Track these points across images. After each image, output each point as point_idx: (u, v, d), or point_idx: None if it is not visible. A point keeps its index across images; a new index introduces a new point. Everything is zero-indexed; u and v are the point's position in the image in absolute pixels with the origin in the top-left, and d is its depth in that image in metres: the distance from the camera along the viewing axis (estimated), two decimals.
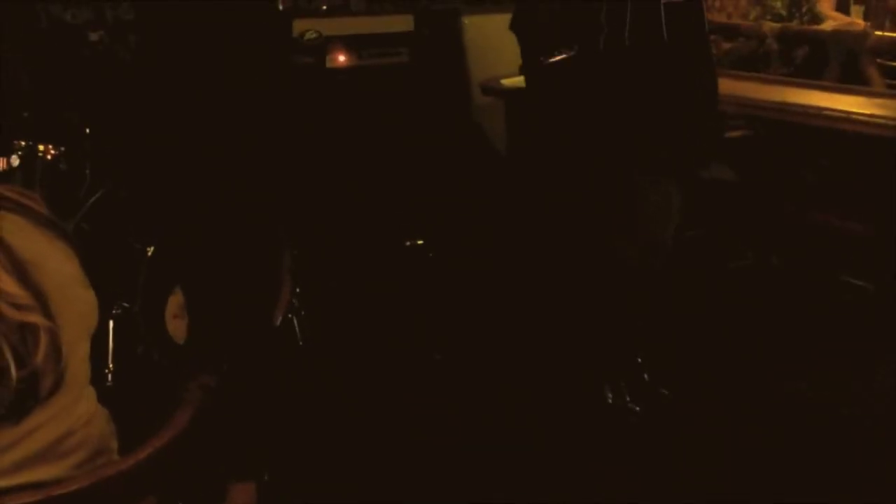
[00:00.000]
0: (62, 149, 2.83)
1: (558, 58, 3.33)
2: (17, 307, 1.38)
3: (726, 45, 4.56)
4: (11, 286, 1.38)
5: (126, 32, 4.00)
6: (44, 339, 1.39)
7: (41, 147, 2.76)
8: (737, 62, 4.44)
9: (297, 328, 3.36)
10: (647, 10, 3.10)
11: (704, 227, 3.84)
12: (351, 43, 4.62)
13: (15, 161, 2.72)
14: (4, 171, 2.71)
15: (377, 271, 4.18)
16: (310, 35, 4.42)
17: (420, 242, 4.41)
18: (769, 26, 4.34)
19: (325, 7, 4.63)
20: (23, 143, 2.73)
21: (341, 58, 4.59)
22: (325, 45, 4.48)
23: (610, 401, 3.22)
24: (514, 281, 3.98)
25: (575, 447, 3.03)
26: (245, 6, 2.88)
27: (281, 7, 3.42)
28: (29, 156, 2.75)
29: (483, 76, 4.78)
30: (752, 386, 3.34)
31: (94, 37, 4.04)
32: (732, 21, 4.61)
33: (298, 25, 4.36)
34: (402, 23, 4.96)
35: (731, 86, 3.92)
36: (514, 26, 3.71)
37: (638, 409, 3.19)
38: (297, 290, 3.36)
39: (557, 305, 3.55)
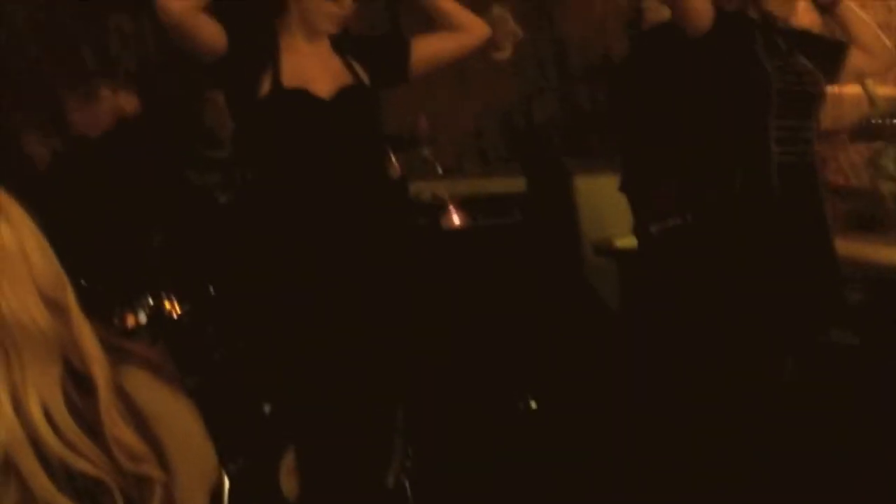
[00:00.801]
0: (187, 307, 2.93)
1: (668, 225, 3.35)
2: (134, 458, 1.41)
3: (843, 207, 4.51)
4: (130, 437, 1.41)
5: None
6: (158, 492, 1.41)
7: (167, 304, 2.88)
8: (854, 224, 4.38)
9: (408, 491, 3.33)
10: (757, 167, 3.12)
11: (825, 392, 3.73)
12: (465, 204, 4.71)
13: (143, 318, 2.83)
14: (133, 329, 2.82)
15: (488, 433, 4.15)
16: (425, 196, 4.53)
17: (532, 404, 4.38)
18: (886, 187, 4.28)
19: (440, 169, 4.76)
20: (150, 301, 2.85)
21: (456, 219, 4.69)
22: (440, 206, 4.58)
23: None
24: (628, 446, 3.89)
25: None
26: (360, 174, 3.00)
27: (398, 170, 3.53)
28: (155, 313, 2.86)
29: (596, 236, 4.82)
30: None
31: (222, 199, 4.19)
32: (848, 183, 4.57)
33: (414, 188, 4.48)
34: (514, 184, 5.06)
35: (848, 248, 3.86)
36: (623, 188, 3.74)
37: None
38: (409, 451, 3.35)
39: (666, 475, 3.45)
